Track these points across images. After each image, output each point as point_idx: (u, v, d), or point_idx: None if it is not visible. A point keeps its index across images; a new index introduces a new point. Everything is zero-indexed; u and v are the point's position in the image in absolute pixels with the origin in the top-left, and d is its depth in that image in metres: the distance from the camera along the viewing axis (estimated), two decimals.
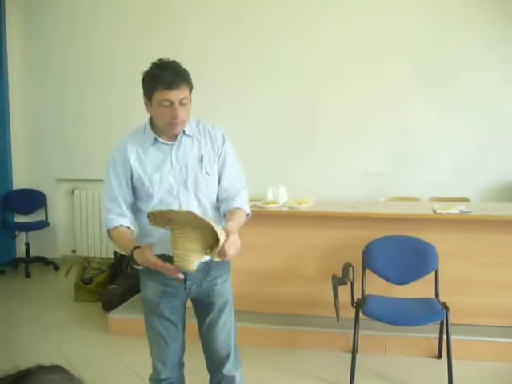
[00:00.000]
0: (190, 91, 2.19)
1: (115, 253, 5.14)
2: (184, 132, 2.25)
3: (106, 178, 2.29)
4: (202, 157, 2.26)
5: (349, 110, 5.32)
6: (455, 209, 3.76)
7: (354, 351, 3.25)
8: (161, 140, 2.24)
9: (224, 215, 2.29)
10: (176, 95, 2.10)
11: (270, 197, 4.15)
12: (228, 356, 2.38)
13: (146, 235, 2.27)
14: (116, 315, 4.17)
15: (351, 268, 3.19)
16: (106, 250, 5.82)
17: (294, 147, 5.43)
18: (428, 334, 3.57)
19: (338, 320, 3.08)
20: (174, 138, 2.25)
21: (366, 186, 5.21)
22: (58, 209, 6.20)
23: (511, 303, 3.71)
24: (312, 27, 5.36)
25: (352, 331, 3.27)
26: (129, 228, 2.26)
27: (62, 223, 6.23)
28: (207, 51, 5.35)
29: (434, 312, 3.19)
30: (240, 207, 2.28)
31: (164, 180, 2.22)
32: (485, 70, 5.06)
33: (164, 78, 2.09)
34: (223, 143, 2.31)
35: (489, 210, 3.91)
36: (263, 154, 5.40)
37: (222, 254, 2.00)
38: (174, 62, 2.16)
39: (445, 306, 3.18)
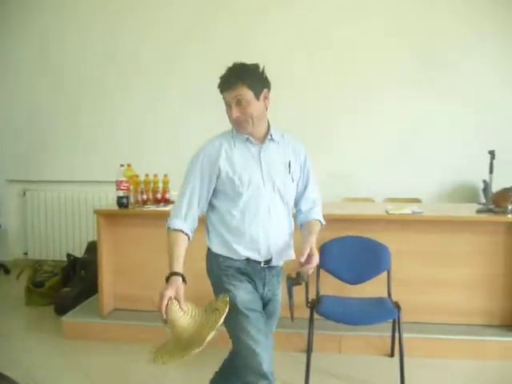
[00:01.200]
0: (257, 90, 2.20)
1: (68, 255, 5.05)
2: (271, 136, 2.30)
3: (187, 175, 2.29)
4: (289, 162, 2.33)
5: (305, 111, 5.36)
6: (407, 209, 3.83)
7: (308, 351, 3.27)
8: (252, 140, 2.28)
9: (301, 225, 2.44)
10: (229, 95, 2.18)
11: None
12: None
13: (236, 234, 2.26)
14: (69, 319, 4.09)
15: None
16: (59, 253, 5.72)
17: None
18: (381, 332, 3.63)
19: (292, 320, 3.05)
20: (263, 139, 2.29)
21: (321, 187, 5.25)
22: (9, 210, 6.06)
23: (461, 301, 3.81)
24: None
25: (307, 331, 3.30)
26: (187, 235, 2.22)
27: (13, 225, 6.08)
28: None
29: (386, 311, 3.24)
30: (316, 218, 2.44)
31: (253, 180, 2.24)
32: (447, 72, 5.19)
33: (221, 80, 2.20)
34: (306, 157, 2.42)
35: (440, 211, 4.01)
36: None
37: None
38: (242, 63, 2.23)
39: (397, 305, 3.24)
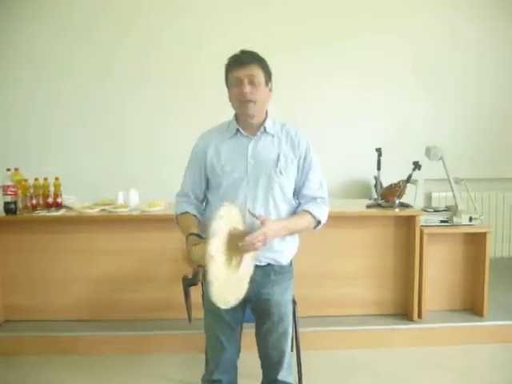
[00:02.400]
0: (266, 76, 2.23)
1: None
2: (265, 129, 2.28)
3: (187, 165, 2.39)
4: (278, 156, 2.25)
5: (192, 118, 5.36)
6: None
7: None
8: (242, 132, 2.27)
9: None
10: (243, 72, 2.17)
11: (120, 201, 4.06)
12: (282, 362, 2.41)
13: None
14: None
15: (202, 268, 3.18)
16: None
17: (144, 149, 5.44)
18: None
19: (190, 321, 3.05)
20: (255, 131, 2.27)
21: None
22: None
23: (355, 293, 3.97)
24: None
25: None
26: (195, 216, 2.30)
27: None
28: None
29: None
30: (307, 210, 2.26)
31: (236, 171, 2.24)
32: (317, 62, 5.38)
33: (234, 57, 2.21)
34: (307, 152, 2.31)
35: (332, 207, 4.10)
36: (115, 156, 5.33)
37: (245, 248, 2.00)
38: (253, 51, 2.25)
39: (293, 300, 3.29)
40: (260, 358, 2.50)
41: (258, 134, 2.28)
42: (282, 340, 2.40)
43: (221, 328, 2.37)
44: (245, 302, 2.34)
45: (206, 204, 2.39)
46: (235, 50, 2.25)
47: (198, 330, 3.48)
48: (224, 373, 2.43)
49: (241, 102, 2.21)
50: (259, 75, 2.19)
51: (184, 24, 5.40)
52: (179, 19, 5.40)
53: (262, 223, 2.06)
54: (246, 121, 2.27)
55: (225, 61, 2.25)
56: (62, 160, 5.31)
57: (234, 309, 2.28)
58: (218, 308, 2.22)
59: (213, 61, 5.23)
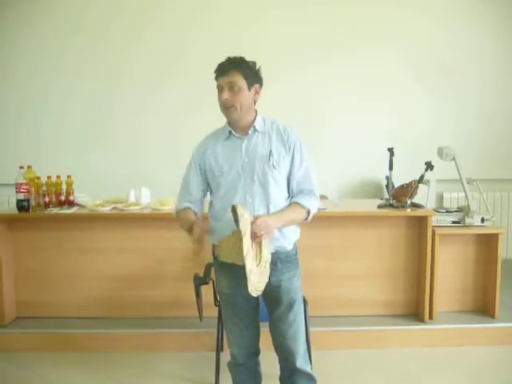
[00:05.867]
0: (249, 81, 2.32)
1: None
2: (255, 128, 2.39)
3: (185, 169, 2.51)
4: (270, 151, 2.36)
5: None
6: None
7: (217, 350, 3.27)
8: (234, 133, 2.39)
9: None
10: (223, 80, 2.30)
11: (131, 199, 4.07)
12: (297, 350, 2.48)
13: (216, 221, 2.41)
14: None
15: (213, 267, 3.19)
16: None
17: (159, 147, 5.44)
18: None
19: (200, 320, 3.07)
20: (246, 131, 2.39)
21: None
22: None
23: (365, 293, 3.96)
24: None
25: (216, 330, 3.29)
26: (195, 212, 2.40)
27: None
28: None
29: None
30: (297, 202, 2.36)
31: (232, 170, 2.35)
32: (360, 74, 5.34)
33: (218, 66, 2.34)
34: (295, 145, 2.41)
35: (343, 207, 4.12)
36: (125, 155, 5.35)
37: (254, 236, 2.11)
38: (240, 56, 2.36)
39: (304, 300, 3.29)
40: (276, 351, 2.56)
41: (250, 133, 2.40)
42: (293, 327, 2.46)
43: (238, 316, 2.48)
44: None
45: (210, 205, 2.48)
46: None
47: (208, 329, 3.53)
48: (249, 356, 2.58)
49: (223, 108, 2.35)
50: (239, 81, 2.30)
51: (202, 24, 5.42)
52: (198, 19, 5.43)
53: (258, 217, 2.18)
54: (233, 123, 2.40)
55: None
56: (77, 158, 5.36)
57: (247, 296, 2.31)
58: (232, 297, 2.40)
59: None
